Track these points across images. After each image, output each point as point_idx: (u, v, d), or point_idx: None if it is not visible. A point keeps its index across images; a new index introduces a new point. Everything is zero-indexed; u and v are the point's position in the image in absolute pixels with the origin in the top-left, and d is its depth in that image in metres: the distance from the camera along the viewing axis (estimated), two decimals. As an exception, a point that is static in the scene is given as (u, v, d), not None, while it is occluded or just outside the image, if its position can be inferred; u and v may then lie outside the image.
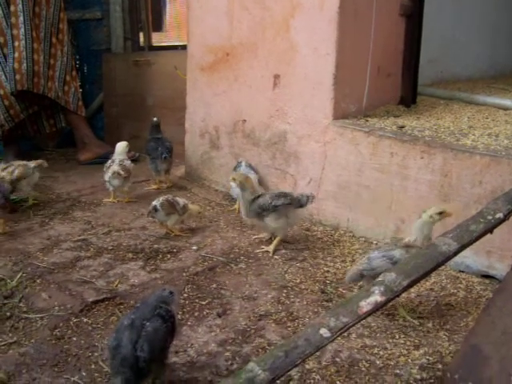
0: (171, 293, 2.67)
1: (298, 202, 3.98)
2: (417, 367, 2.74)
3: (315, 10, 4.30)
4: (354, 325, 2.24)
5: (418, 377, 2.68)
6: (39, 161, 5.01)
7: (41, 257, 3.95)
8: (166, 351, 2.56)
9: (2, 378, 2.33)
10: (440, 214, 3.13)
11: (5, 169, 4.78)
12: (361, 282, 3.29)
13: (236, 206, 4.71)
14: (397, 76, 4.95)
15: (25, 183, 4.80)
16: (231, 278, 3.65)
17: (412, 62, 4.91)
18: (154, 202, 4.21)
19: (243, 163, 4.77)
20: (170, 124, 5.61)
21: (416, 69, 4.98)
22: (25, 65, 5.61)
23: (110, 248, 4.09)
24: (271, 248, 4.05)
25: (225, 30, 4.99)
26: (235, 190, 4.47)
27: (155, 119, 5.52)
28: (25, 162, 4.91)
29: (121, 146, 5.12)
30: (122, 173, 4.84)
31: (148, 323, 2.43)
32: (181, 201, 4.29)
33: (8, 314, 3.22)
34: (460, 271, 3.73)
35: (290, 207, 3.98)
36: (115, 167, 4.85)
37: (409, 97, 5.02)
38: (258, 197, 4.03)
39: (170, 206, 4.20)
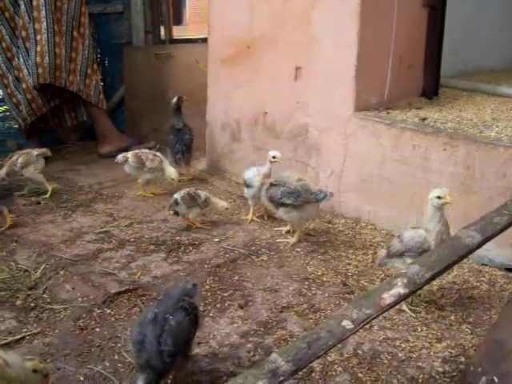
0: (194, 285, 2.68)
1: (314, 199, 3.87)
2: (439, 360, 2.74)
3: (336, 1, 4.27)
4: (376, 317, 2.23)
5: (441, 369, 2.67)
6: (43, 149, 5.10)
7: (64, 249, 4.00)
8: (190, 343, 2.58)
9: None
10: (438, 198, 3.08)
11: (10, 159, 4.91)
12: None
13: (250, 216, 4.56)
14: (419, 68, 4.91)
15: (31, 169, 4.89)
16: (253, 270, 3.66)
17: (434, 53, 4.87)
18: (175, 195, 4.23)
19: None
20: (191, 117, 5.61)
21: (438, 60, 4.93)
22: (47, 58, 5.65)
23: (132, 240, 4.13)
24: (292, 240, 4.05)
25: (245, 22, 4.98)
26: (247, 191, 4.46)
27: (174, 100, 5.47)
28: (28, 150, 5.04)
29: None
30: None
31: (171, 317, 2.44)
32: (202, 194, 4.29)
33: (32, 304, 3.27)
34: (483, 264, 3.70)
35: (305, 204, 3.90)
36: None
37: (431, 89, 4.98)
38: (275, 185, 4.01)
39: (191, 200, 4.22)
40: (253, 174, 4.35)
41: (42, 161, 5.03)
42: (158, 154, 5.02)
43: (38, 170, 4.95)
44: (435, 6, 4.74)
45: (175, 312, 2.48)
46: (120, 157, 4.98)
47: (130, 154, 4.95)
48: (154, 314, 2.46)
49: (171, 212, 4.28)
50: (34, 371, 2.30)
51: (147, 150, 5.06)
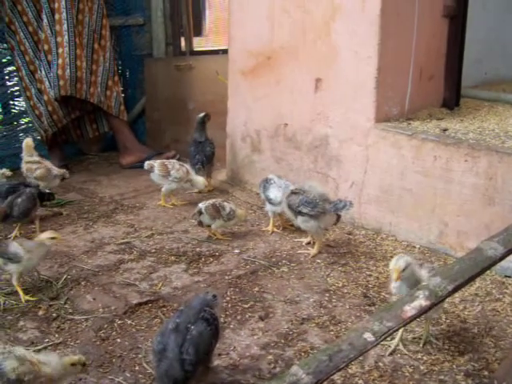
0: (214, 296, 2.69)
1: (332, 208, 3.85)
2: (462, 373, 2.71)
3: (356, 12, 4.27)
4: (398, 329, 2.23)
5: (464, 383, 2.64)
6: (62, 170, 5.11)
7: (85, 259, 4.03)
8: (211, 354, 2.59)
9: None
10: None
11: (29, 162, 4.98)
12: None
13: (270, 227, 4.55)
14: (439, 78, 4.89)
15: (42, 185, 4.89)
16: (273, 282, 3.66)
17: (455, 63, 4.84)
18: (200, 205, 4.25)
19: (275, 179, 4.51)
20: (212, 128, 5.63)
21: (459, 70, 4.91)
22: (68, 71, 5.72)
23: (153, 251, 4.14)
24: (312, 251, 4.04)
25: (266, 34, 5.00)
26: (269, 207, 4.45)
27: (201, 115, 5.54)
28: (51, 167, 5.05)
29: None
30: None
31: (193, 327, 2.45)
32: (228, 206, 4.30)
33: (54, 315, 3.29)
34: (506, 276, 3.66)
35: (322, 214, 3.88)
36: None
37: (452, 99, 4.95)
38: (295, 193, 4.01)
39: (215, 211, 4.23)
40: (278, 194, 4.31)
41: (57, 181, 5.08)
42: (185, 164, 5.03)
43: (47, 188, 4.92)
44: (456, 16, 4.73)
45: (197, 322, 2.49)
46: (147, 164, 5.01)
47: (156, 163, 4.98)
48: (175, 324, 2.47)
49: (194, 221, 4.28)
50: (73, 365, 2.46)
51: (174, 160, 5.07)
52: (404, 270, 2.76)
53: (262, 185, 4.52)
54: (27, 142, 5.13)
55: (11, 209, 4.21)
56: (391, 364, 2.78)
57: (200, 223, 4.28)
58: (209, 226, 4.32)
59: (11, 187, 4.45)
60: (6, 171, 4.97)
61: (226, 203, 4.33)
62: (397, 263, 2.77)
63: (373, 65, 4.24)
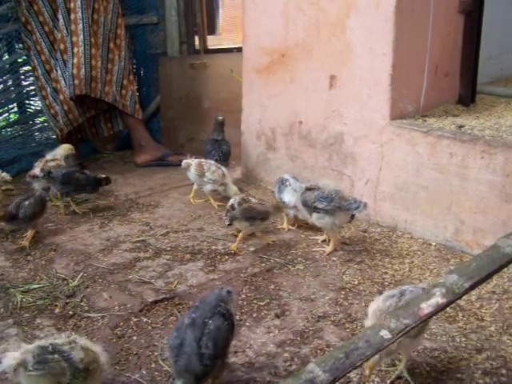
0: (229, 292, 2.69)
1: (347, 207, 3.85)
2: (479, 372, 2.69)
3: (371, 9, 4.26)
4: (414, 327, 2.21)
5: (481, 382, 2.63)
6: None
7: (101, 257, 4.05)
8: (227, 349, 2.59)
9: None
10: None
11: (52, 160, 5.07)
12: None
13: (285, 225, 4.54)
14: (455, 74, 4.86)
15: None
16: (289, 279, 3.66)
17: (471, 59, 4.81)
18: (231, 201, 4.28)
19: (290, 180, 4.49)
20: (226, 126, 5.63)
21: (475, 67, 4.87)
22: (83, 70, 5.74)
23: (169, 249, 4.16)
24: (328, 249, 4.04)
25: (280, 31, 5.00)
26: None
27: (220, 117, 5.56)
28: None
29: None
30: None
31: (210, 321, 2.47)
32: (253, 200, 4.34)
33: (71, 312, 3.32)
34: (523, 273, 3.64)
35: (337, 210, 3.88)
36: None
37: (468, 96, 4.92)
38: (310, 189, 4.00)
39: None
40: (293, 198, 4.29)
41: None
42: (222, 167, 4.98)
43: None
44: (472, 11, 4.69)
45: (213, 316, 2.50)
46: (184, 162, 5.03)
47: (193, 162, 4.97)
48: (191, 319, 2.49)
49: (227, 222, 4.24)
50: None
51: (212, 161, 5.04)
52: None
53: (278, 185, 4.52)
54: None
55: (17, 210, 4.20)
56: (408, 362, 2.77)
57: (230, 224, 4.21)
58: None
59: (67, 173, 4.78)
60: (5, 175, 5.03)
61: (251, 197, 4.39)
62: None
63: (387, 62, 4.22)
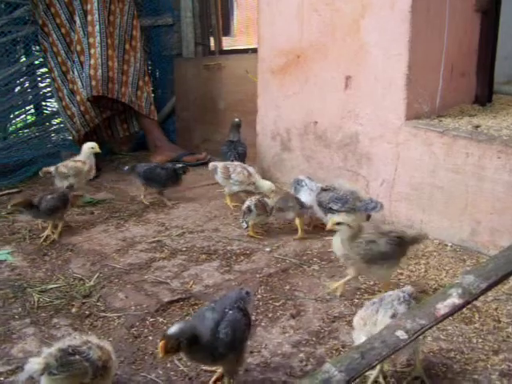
0: (248, 293, 2.71)
1: (363, 208, 3.85)
2: (497, 373, 2.67)
3: (386, 9, 4.25)
4: (430, 327, 2.21)
5: (499, 383, 2.61)
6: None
7: (117, 258, 4.07)
8: (243, 346, 2.57)
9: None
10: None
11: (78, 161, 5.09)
12: None
13: (299, 235, 4.44)
14: (471, 74, 4.84)
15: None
16: (304, 280, 3.66)
17: (487, 59, 4.79)
18: (247, 203, 4.30)
19: (306, 181, 4.48)
20: (242, 127, 5.65)
21: (492, 66, 4.85)
22: (100, 71, 5.78)
23: (184, 249, 4.17)
24: (344, 250, 4.03)
25: (295, 32, 5.00)
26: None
27: (236, 120, 5.58)
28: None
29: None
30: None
31: (230, 311, 2.49)
32: (269, 201, 4.38)
33: (87, 312, 3.33)
34: (540, 274, 3.60)
35: (352, 211, 3.86)
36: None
37: (484, 95, 4.89)
38: (326, 190, 4.00)
39: (262, 207, 4.29)
40: (309, 198, 4.28)
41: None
42: (248, 167, 4.96)
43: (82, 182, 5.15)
44: (489, 11, 4.67)
45: (233, 309, 2.52)
46: (211, 165, 5.04)
47: (219, 164, 4.97)
48: (211, 307, 2.53)
49: (244, 224, 4.33)
50: None
51: (237, 163, 5.04)
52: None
53: (294, 186, 4.51)
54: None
55: (39, 202, 4.26)
56: (423, 362, 2.75)
57: (246, 225, 4.32)
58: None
59: (148, 169, 5.04)
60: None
61: (265, 199, 4.40)
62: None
63: (403, 62, 4.21)
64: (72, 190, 4.62)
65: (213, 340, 2.38)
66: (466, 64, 4.74)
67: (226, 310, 2.49)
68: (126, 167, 5.30)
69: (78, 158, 5.16)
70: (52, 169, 5.04)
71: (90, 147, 5.20)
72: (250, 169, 4.94)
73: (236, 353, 2.50)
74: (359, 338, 2.48)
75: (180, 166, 5.19)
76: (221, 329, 2.40)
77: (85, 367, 2.32)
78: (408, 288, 2.78)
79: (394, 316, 2.51)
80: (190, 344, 2.33)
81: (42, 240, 4.31)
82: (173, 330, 2.33)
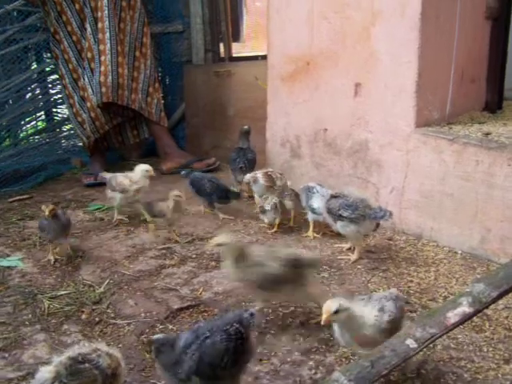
0: (252, 314, 2.49)
1: (372, 215, 3.82)
2: (508, 382, 2.66)
3: (396, 17, 4.25)
4: (441, 336, 2.21)
5: (509, 392, 2.60)
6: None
7: (127, 264, 4.08)
8: (220, 370, 2.42)
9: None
10: None
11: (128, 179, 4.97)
12: None
13: (310, 233, 4.54)
14: (481, 81, 4.84)
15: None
16: (314, 287, 3.64)
17: (498, 66, 4.78)
18: (266, 207, 4.49)
19: (317, 187, 4.41)
20: (251, 134, 5.65)
21: (502, 73, 4.85)
22: (110, 78, 5.81)
23: (194, 256, 4.18)
24: (353, 257, 4.03)
25: (305, 39, 5.01)
26: (311, 216, 4.44)
27: (245, 127, 5.56)
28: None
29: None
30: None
31: (209, 334, 2.41)
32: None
33: (97, 319, 3.34)
34: (551, 282, 3.58)
35: (362, 218, 3.85)
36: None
37: (494, 102, 4.89)
38: (336, 197, 4.00)
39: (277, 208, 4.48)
40: (322, 204, 4.23)
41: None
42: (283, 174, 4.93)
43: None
44: (499, 18, 4.66)
45: (216, 332, 2.41)
46: (249, 176, 4.93)
47: (259, 174, 4.86)
48: (197, 327, 2.51)
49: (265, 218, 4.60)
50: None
51: (272, 169, 4.99)
52: (337, 312, 2.45)
53: (305, 194, 4.47)
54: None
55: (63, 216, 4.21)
56: (434, 371, 2.75)
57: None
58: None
59: (197, 178, 4.98)
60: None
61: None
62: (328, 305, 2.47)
63: (413, 69, 4.21)
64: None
65: (178, 360, 2.37)
66: (476, 71, 4.74)
67: (207, 333, 2.40)
68: (184, 171, 5.27)
69: (131, 174, 5.01)
70: (108, 176, 5.03)
71: (143, 170, 4.99)
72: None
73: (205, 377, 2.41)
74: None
75: (236, 190, 5.07)
76: (189, 351, 2.36)
77: (94, 375, 2.33)
78: (393, 290, 2.84)
79: (381, 310, 2.55)
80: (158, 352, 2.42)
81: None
82: (156, 336, 2.48)
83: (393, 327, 2.50)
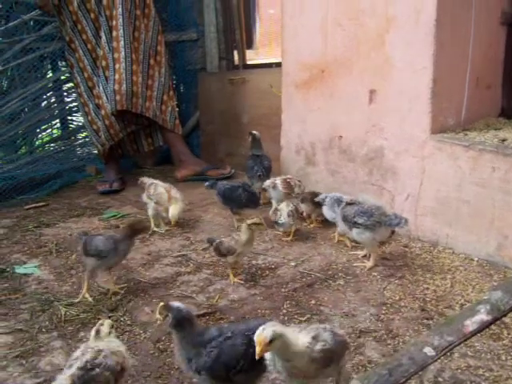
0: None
1: (388, 222, 3.81)
2: (526, 391, 2.64)
3: (411, 23, 4.25)
4: (458, 344, 2.20)
5: (528, 401, 2.58)
6: None
7: (143, 272, 4.09)
8: (233, 373, 2.41)
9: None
10: None
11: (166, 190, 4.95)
12: None
13: (336, 234, 4.55)
14: (497, 87, 4.82)
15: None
16: (330, 295, 3.64)
17: (513, 72, 4.77)
18: (279, 220, 4.48)
19: (344, 197, 4.19)
20: (265, 141, 5.65)
21: (518, 79, 4.83)
22: (124, 86, 5.85)
23: (209, 264, 4.18)
24: (368, 264, 4.01)
25: (319, 46, 5.01)
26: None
27: (256, 133, 5.54)
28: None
29: None
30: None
31: (231, 335, 2.44)
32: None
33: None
34: None
35: (377, 224, 3.84)
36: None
37: (510, 108, 4.86)
38: (351, 204, 3.98)
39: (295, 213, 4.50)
40: (335, 214, 4.21)
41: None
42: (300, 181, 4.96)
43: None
44: (514, 23, 4.65)
45: (237, 335, 2.44)
46: (268, 182, 4.96)
47: (278, 180, 4.89)
48: (221, 328, 2.51)
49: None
50: None
51: (291, 176, 5.02)
52: (272, 341, 2.18)
53: (333, 204, 4.24)
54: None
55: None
56: (451, 379, 2.73)
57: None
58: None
59: (228, 188, 4.81)
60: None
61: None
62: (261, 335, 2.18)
63: (428, 75, 4.20)
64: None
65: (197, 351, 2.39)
66: (491, 76, 4.72)
67: (229, 334, 2.42)
68: (207, 182, 5.11)
69: (170, 186, 5.02)
70: (148, 182, 5.05)
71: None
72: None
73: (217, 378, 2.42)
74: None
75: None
76: (209, 346, 2.39)
77: (106, 377, 2.35)
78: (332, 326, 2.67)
79: (315, 338, 2.34)
80: (176, 325, 2.43)
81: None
82: (175, 304, 2.47)
83: (326, 358, 2.32)
